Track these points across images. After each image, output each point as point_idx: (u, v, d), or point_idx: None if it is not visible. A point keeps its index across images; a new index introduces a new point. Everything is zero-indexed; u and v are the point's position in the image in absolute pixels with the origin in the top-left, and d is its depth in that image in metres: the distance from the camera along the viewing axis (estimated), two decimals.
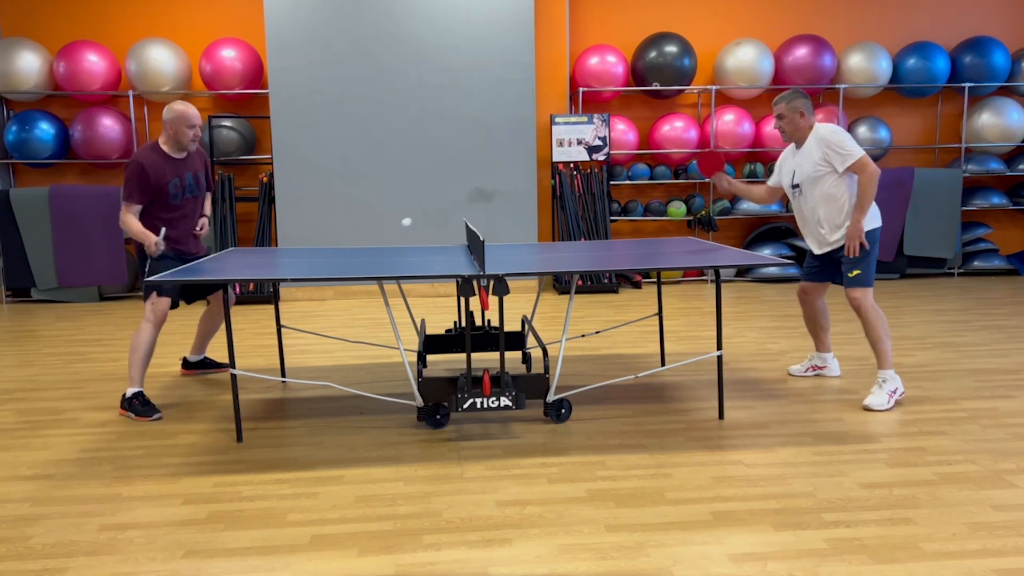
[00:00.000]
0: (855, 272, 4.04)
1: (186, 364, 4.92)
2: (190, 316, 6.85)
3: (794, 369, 4.71)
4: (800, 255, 8.33)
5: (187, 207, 4.38)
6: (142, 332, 4.15)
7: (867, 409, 4.00)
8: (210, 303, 4.79)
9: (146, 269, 4.24)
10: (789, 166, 4.29)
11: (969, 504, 2.90)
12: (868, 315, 4.03)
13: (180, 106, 4.22)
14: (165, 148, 4.27)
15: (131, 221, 4.15)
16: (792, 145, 4.29)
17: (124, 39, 8.00)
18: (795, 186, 4.23)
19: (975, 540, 2.63)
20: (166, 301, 4.20)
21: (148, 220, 4.26)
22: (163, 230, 4.23)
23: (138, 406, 4.08)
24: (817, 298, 4.48)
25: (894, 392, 4.05)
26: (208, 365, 4.95)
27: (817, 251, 4.27)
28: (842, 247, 4.13)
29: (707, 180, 8.22)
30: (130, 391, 4.13)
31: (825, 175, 4.07)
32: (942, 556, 2.53)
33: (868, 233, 4.04)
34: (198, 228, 4.49)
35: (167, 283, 3.93)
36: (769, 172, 8.27)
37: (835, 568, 2.47)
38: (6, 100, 7.96)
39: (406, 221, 4.23)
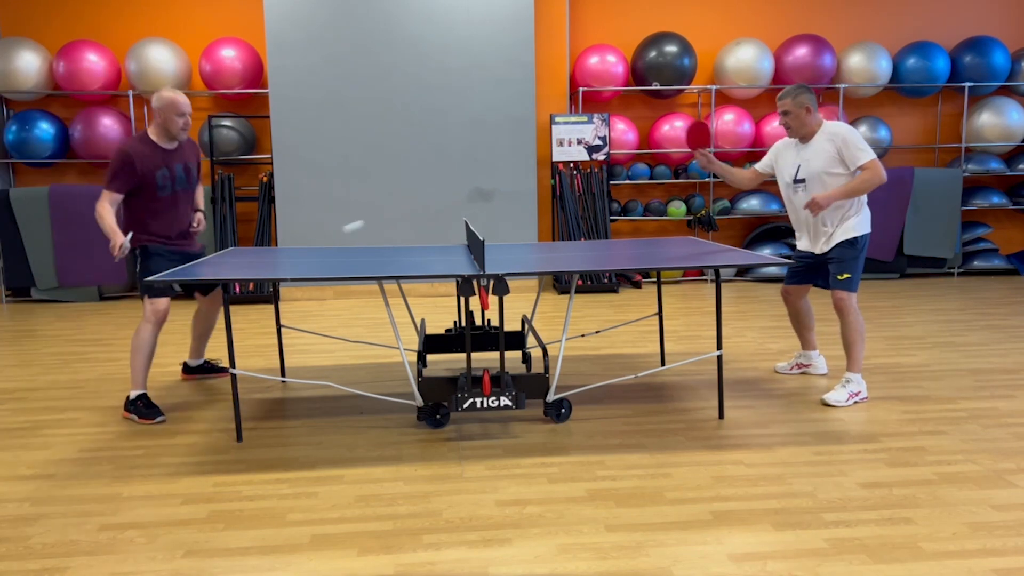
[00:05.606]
0: (845, 275, 4.03)
1: (186, 369, 4.82)
2: (189, 315, 6.84)
3: (780, 367, 4.72)
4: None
5: (178, 200, 4.21)
6: (141, 332, 4.06)
7: (824, 404, 4.05)
8: (201, 303, 4.62)
9: (137, 268, 4.15)
10: (791, 160, 4.19)
11: (969, 504, 2.90)
12: (850, 317, 4.04)
13: (169, 93, 4.04)
14: (154, 138, 4.10)
15: (105, 213, 3.95)
16: (793, 140, 4.20)
17: (124, 39, 8.00)
18: (799, 181, 4.15)
19: (975, 540, 2.63)
20: (163, 300, 4.08)
21: (134, 213, 4.12)
22: (131, 234, 4.07)
23: (141, 408, 4.03)
24: (799, 298, 4.49)
25: (856, 394, 4.08)
26: (208, 370, 4.83)
27: (815, 249, 4.22)
28: (833, 248, 4.11)
29: (707, 177, 8.22)
30: (134, 393, 4.07)
31: (838, 173, 4.01)
32: (942, 556, 2.53)
33: (858, 239, 4.04)
34: (195, 224, 4.36)
35: (160, 283, 3.81)
36: None
37: (835, 568, 2.47)
38: (6, 100, 7.96)
39: (352, 226, 4.11)
